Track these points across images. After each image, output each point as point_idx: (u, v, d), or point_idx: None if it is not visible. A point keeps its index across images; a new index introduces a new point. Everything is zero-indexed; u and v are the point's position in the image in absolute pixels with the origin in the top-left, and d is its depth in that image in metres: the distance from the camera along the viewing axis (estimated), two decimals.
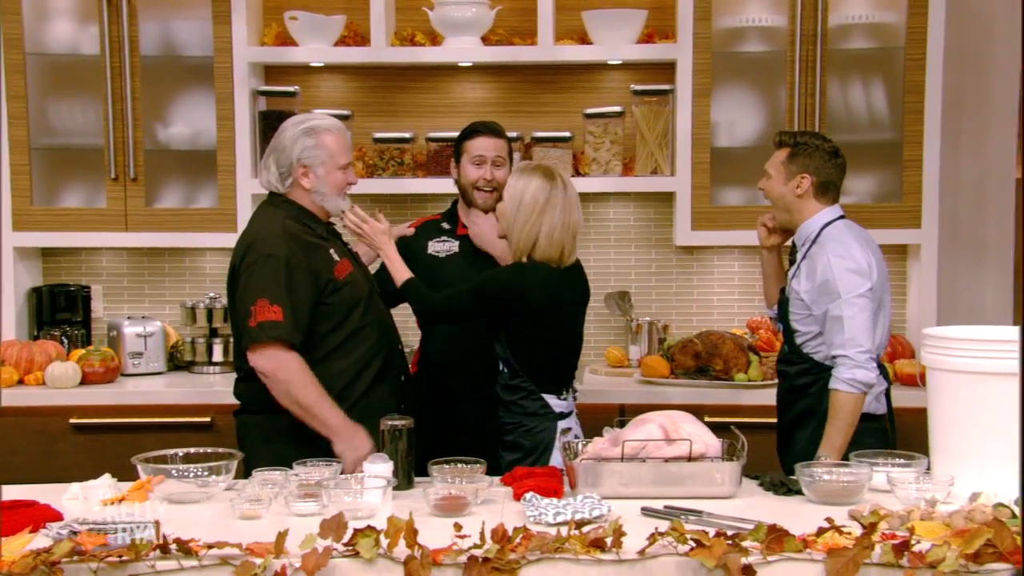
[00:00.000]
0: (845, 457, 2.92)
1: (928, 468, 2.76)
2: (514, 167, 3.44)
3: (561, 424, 3.22)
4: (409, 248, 3.62)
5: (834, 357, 3.11)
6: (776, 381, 4.03)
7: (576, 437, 3.13)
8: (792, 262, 3.37)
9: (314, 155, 3.20)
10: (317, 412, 3.04)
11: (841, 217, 3.30)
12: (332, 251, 3.23)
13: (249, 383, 3.17)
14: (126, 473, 2.80)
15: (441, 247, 3.73)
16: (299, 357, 3.07)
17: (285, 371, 3.05)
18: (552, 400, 3.24)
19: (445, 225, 3.78)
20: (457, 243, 3.72)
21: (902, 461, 2.81)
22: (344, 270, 3.22)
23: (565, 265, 3.23)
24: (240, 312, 3.11)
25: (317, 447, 2.99)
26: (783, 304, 3.34)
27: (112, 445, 3.86)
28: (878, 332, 3.21)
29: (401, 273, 3.34)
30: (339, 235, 3.40)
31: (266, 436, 3.15)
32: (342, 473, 2.81)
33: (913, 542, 2.25)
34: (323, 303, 3.14)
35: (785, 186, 3.30)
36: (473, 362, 3.56)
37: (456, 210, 3.79)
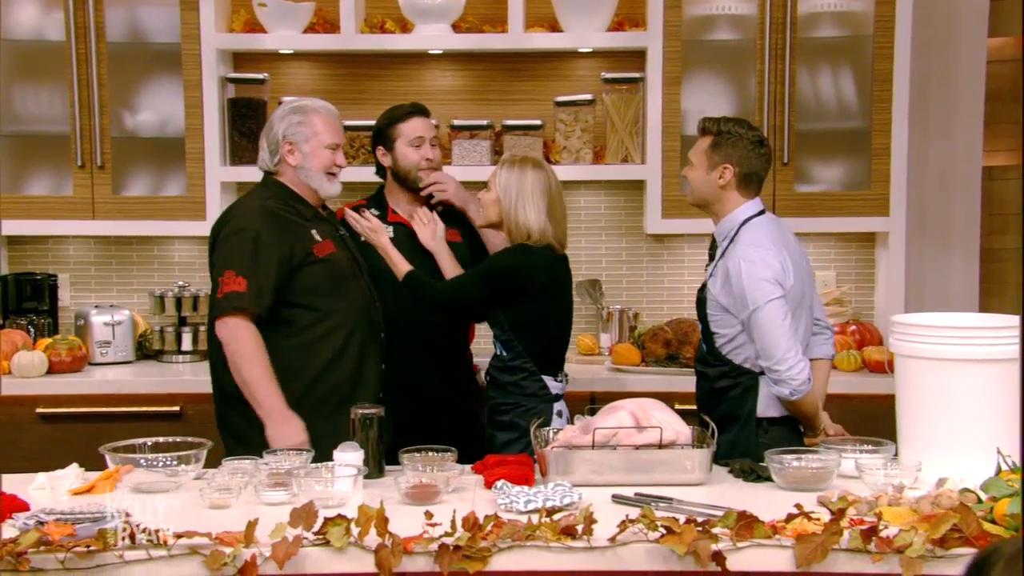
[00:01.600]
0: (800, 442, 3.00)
1: (896, 454, 2.78)
2: (501, 160, 3.41)
3: (556, 406, 3.29)
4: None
5: (763, 366, 3.05)
6: None
7: (565, 419, 3.24)
8: (711, 259, 3.24)
9: (299, 132, 3.27)
10: (255, 390, 3.07)
11: (761, 212, 3.17)
12: (314, 231, 3.26)
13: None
14: (94, 463, 2.78)
15: None
16: (255, 331, 3.10)
17: (236, 341, 3.09)
18: (550, 382, 3.31)
19: (374, 212, 3.68)
20: (391, 229, 3.63)
21: (870, 447, 2.83)
22: (325, 249, 3.25)
23: (564, 249, 3.38)
24: (212, 284, 3.18)
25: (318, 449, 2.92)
26: (701, 303, 3.20)
27: (80, 435, 3.83)
28: (800, 329, 3.11)
29: (400, 267, 3.39)
30: (330, 220, 3.42)
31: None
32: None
33: (881, 527, 2.27)
34: (296, 272, 3.17)
35: (707, 176, 3.15)
36: (437, 347, 3.57)
37: (383, 195, 3.72)
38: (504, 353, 3.34)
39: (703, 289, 3.22)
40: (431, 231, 3.55)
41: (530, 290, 3.26)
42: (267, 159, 3.33)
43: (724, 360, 3.14)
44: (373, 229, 3.45)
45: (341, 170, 3.37)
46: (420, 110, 3.68)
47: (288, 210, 3.25)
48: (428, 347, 3.60)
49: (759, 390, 3.09)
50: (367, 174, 4.28)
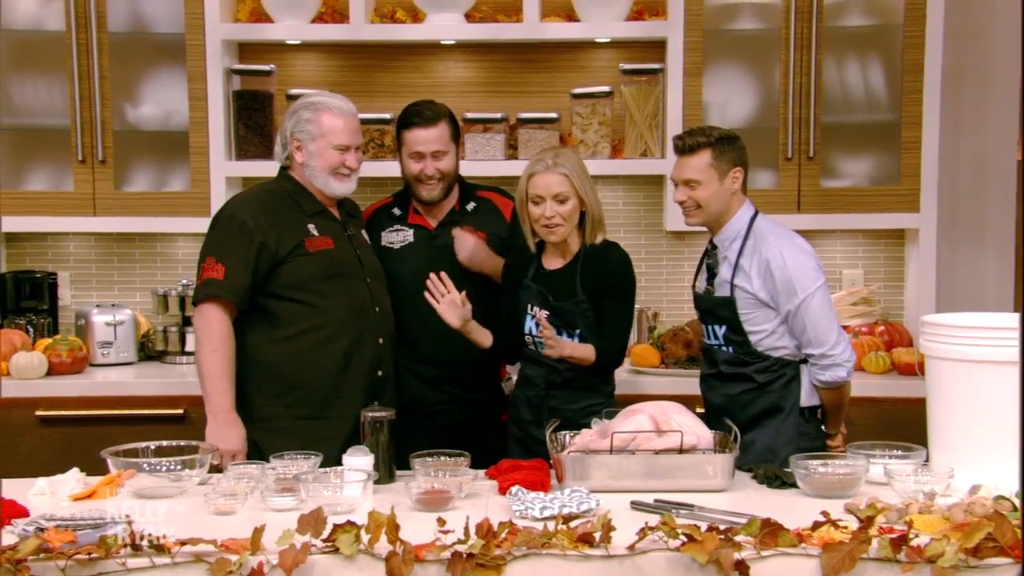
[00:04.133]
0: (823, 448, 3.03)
1: (927, 460, 2.78)
2: (542, 165, 3.29)
3: None
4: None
5: (808, 355, 3.13)
6: None
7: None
8: (709, 268, 3.28)
9: (307, 130, 3.31)
10: (209, 385, 3.15)
11: (756, 210, 3.25)
12: (311, 226, 3.29)
13: None
14: (95, 467, 2.80)
15: (395, 238, 3.65)
16: (226, 322, 3.17)
17: (204, 331, 3.17)
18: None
19: (396, 211, 3.69)
20: (411, 232, 3.64)
21: (900, 453, 2.82)
22: (319, 245, 3.28)
23: None
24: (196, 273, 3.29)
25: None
26: (720, 306, 3.21)
27: (80, 438, 3.84)
28: None
29: (588, 354, 3.25)
30: (342, 221, 3.41)
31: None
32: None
33: (911, 536, 2.26)
34: (281, 264, 3.21)
35: (721, 187, 3.17)
36: (456, 356, 3.57)
37: (408, 194, 3.69)
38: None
39: (707, 294, 3.25)
40: (453, 313, 3.31)
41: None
42: (280, 153, 3.41)
43: (762, 355, 3.17)
44: (554, 343, 3.22)
45: (353, 172, 3.35)
46: (425, 118, 3.54)
47: (288, 203, 3.30)
48: (448, 357, 3.60)
49: (802, 379, 3.16)
50: (376, 169, 4.30)
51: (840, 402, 3.22)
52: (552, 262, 3.37)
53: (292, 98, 4.32)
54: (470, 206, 3.70)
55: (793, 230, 3.26)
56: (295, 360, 3.23)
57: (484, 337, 3.37)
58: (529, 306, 3.34)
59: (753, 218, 3.21)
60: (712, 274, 3.28)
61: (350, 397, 3.23)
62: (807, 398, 3.17)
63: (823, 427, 3.24)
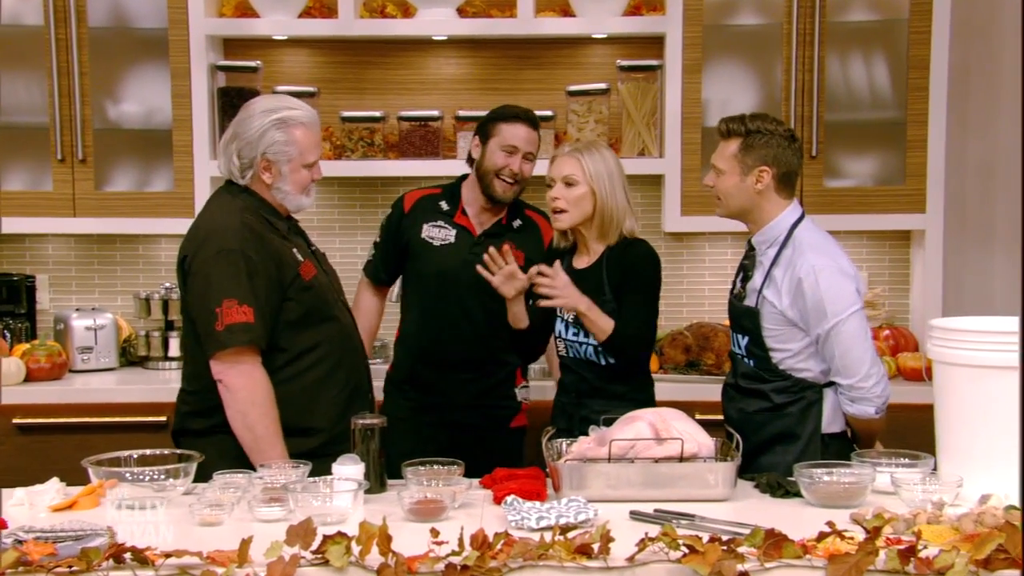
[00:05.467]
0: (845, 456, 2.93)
1: (935, 468, 2.77)
2: (565, 149, 3.34)
3: None
4: (402, 228, 3.66)
5: (836, 383, 3.03)
6: None
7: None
8: (744, 268, 3.20)
9: (282, 152, 3.08)
10: (266, 447, 2.94)
11: (803, 215, 3.14)
12: (295, 250, 3.12)
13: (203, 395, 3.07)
14: (76, 477, 2.78)
15: (436, 233, 3.69)
16: (265, 374, 2.98)
17: (253, 392, 2.96)
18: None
19: (444, 205, 3.72)
20: (454, 232, 3.68)
21: (907, 461, 2.82)
22: (309, 271, 3.11)
23: None
24: (202, 314, 3.00)
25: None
26: (744, 315, 3.13)
27: (60, 447, 3.84)
28: None
29: (605, 325, 3.22)
30: (302, 232, 3.28)
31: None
32: None
33: (919, 547, 2.26)
34: (288, 300, 3.05)
35: (742, 182, 3.08)
36: (468, 356, 3.66)
37: (460, 190, 3.73)
38: (614, 361, 3.30)
39: (738, 299, 3.17)
40: (509, 285, 3.29)
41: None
42: (236, 172, 3.12)
43: (782, 374, 3.09)
44: (564, 284, 3.19)
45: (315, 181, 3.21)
46: (531, 119, 3.62)
47: (266, 226, 3.08)
48: (469, 356, 3.69)
49: (824, 404, 3.06)
50: (363, 168, 4.29)
51: (870, 432, 3.09)
52: (581, 261, 3.37)
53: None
54: (516, 223, 3.74)
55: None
56: (299, 400, 3.07)
57: (524, 318, 3.35)
58: (559, 308, 3.33)
59: (795, 224, 3.08)
60: (746, 276, 3.18)
61: (320, 419, 3.11)
62: (829, 422, 3.07)
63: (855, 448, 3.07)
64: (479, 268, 3.30)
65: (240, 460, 2.95)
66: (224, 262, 2.99)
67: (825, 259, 3.01)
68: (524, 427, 3.79)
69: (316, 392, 3.10)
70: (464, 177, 3.76)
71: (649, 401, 3.33)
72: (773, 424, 3.08)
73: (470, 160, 3.71)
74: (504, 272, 3.27)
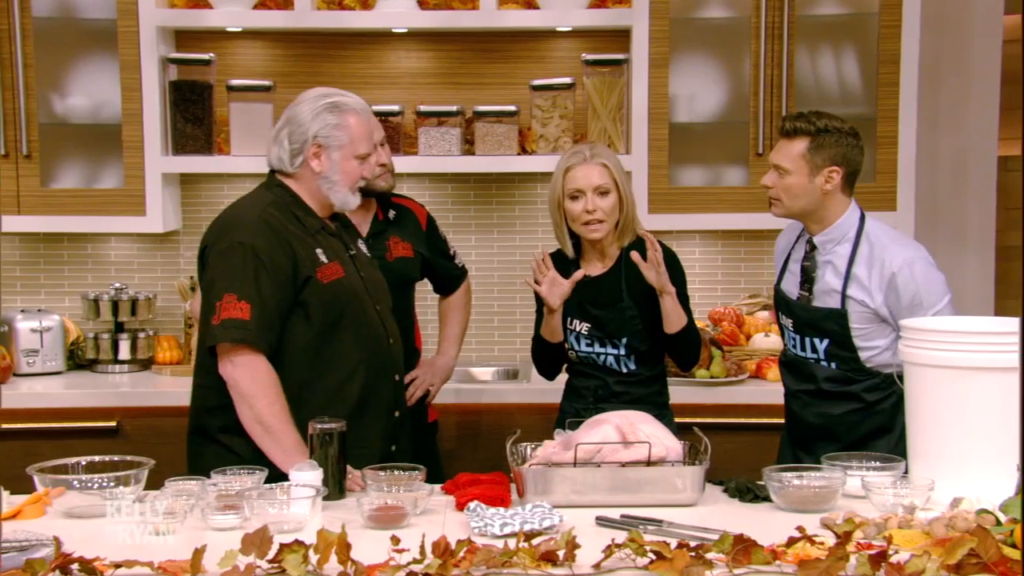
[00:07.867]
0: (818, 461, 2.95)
1: (906, 472, 2.80)
2: (582, 156, 3.29)
3: None
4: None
5: None
6: (739, 378, 4.08)
7: None
8: (806, 270, 3.22)
9: (334, 135, 3.05)
10: (280, 435, 2.91)
11: (863, 212, 3.21)
12: (319, 251, 3.06)
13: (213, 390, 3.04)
14: (20, 485, 2.76)
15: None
16: (266, 364, 2.94)
17: (254, 383, 2.93)
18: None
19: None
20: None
21: (878, 464, 2.84)
22: (330, 274, 3.05)
23: None
24: (204, 305, 3.01)
25: None
26: (827, 318, 3.16)
27: (4, 454, 3.80)
28: None
29: (683, 314, 3.28)
30: (339, 235, 3.19)
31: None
32: None
33: (891, 552, 2.27)
34: (298, 302, 3.01)
35: (811, 183, 3.12)
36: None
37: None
38: (635, 367, 3.34)
39: (805, 305, 3.18)
40: (555, 294, 3.26)
41: None
42: (285, 158, 3.08)
43: (872, 372, 3.16)
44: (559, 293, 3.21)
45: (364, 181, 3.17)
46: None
47: (292, 221, 3.04)
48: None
49: None
50: None
51: None
52: (592, 268, 3.36)
53: (235, 89, 4.31)
54: (391, 214, 3.74)
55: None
56: (304, 411, 2.98)
57: (560, 331, 3.34)
58: (569, 319, 3.32)
59: (862, 220, 3.15)
60: (808, 278, 3.20)
61: (365, 447, 3.05)
62: None
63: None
64: (527, 280, 3.26)
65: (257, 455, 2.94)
66: (232, 256, 2.98)
67: (913, 251, 3.11)
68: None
69: (322, 404, 3.01)
70: None
71: (666, 405, 3.41)
72: (866, 423, 3.18)
73: None
74: (548, 279, 3.23)
